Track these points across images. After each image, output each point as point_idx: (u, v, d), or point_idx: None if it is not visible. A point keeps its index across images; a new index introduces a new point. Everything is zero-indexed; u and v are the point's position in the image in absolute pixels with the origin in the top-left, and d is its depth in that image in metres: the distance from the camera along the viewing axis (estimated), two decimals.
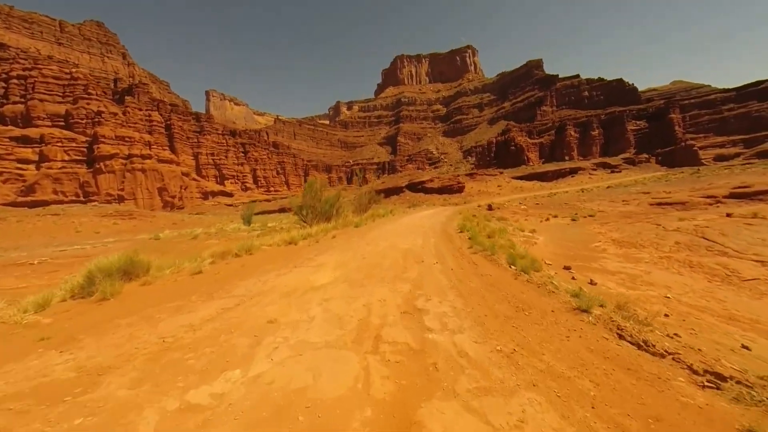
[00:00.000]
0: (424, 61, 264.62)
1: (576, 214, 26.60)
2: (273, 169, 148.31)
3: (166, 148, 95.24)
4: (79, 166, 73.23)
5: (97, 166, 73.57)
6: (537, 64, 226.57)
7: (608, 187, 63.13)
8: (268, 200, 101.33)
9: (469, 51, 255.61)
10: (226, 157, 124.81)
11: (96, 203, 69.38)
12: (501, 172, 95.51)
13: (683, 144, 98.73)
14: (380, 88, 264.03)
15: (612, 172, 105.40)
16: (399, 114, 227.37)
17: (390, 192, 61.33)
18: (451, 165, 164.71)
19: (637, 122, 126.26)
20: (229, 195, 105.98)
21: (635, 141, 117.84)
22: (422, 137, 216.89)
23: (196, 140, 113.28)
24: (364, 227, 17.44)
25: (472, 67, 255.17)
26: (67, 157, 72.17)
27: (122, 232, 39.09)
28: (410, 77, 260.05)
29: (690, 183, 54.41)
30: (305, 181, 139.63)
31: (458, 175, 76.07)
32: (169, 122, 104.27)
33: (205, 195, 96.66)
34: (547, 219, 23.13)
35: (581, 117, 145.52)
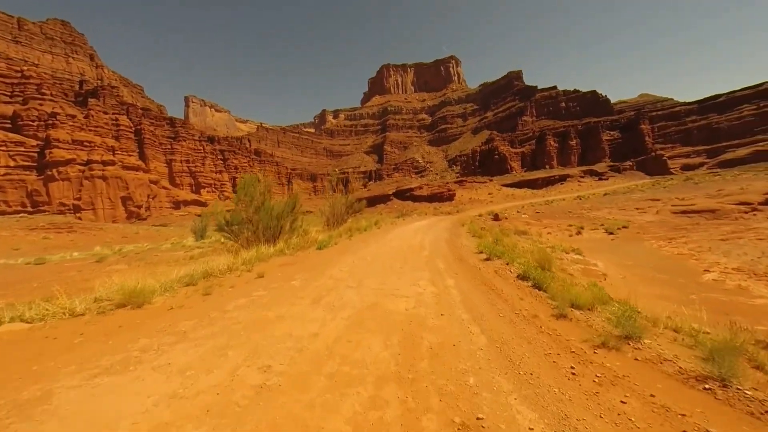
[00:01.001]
0: (409, 70, 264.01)
1: (601, 225, 21.53)
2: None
3: (134, 154, 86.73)
4: (27, 172, 64.25)
5: (49, 173, 64.79)
6: (517, 76, 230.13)
7: (605, 194, 59.71)
8: None
9: (453, 61, 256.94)
10: (203, 164, 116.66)
11: (47, 213, 60.58)
12: (490, 180, 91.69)
13: (653, 154, 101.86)
14: (366, 97, 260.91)
15: (599, 179, 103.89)
16: (385, 123, 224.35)
17: (376, 200, 55.70)
18: (436, 174, 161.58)
19: (611, 132, 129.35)
20: (204, 204, 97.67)
21: (610, 150, 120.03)
22: (408, 146, 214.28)
23: (169, 146, 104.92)
24: (333, 249, 11.52)
25: (456, 78, 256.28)
26: (12, 163, 63.14)
27: (50, 248, 31.66)
28: (396, 86, 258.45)
29: (690, 190, 51.28)
30: (289, 189, 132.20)
31: (448, 183, 71.51)
32: (139, 127, 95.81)
33: (177, 204, 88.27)
34: (578, 233, 17.86)
35: (560, 127, 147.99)
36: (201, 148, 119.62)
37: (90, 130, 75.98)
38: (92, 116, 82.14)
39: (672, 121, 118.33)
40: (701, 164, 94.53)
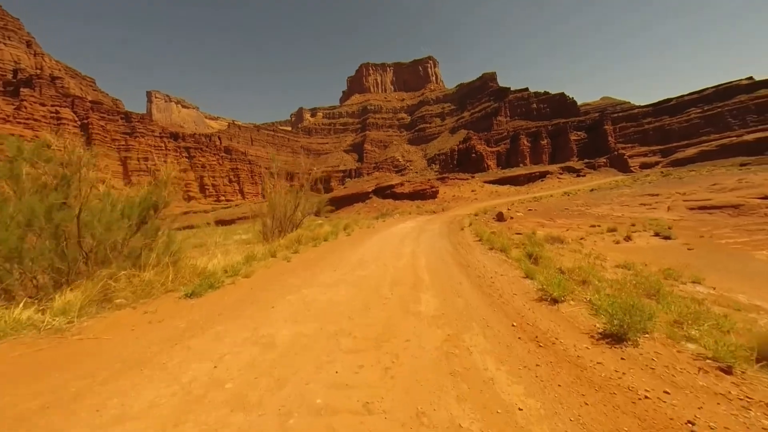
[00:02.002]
0: (389, 69, 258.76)
1: (632, 225, 16.65)
2: (224, 177, 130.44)
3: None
4: None
5: None
6: (491, 77, 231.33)
7: (592, 190, 56.88)
8: (206, 211, 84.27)
9: (431, 62, 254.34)
10: (165, 162, 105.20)
11: None
12: (473, 176, 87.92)
13: (616, 153, 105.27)
14: (345, 96, 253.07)
15: (577, 176, 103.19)
16: (365, 121, 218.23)
17: (354, 198, 49.65)
18: (416, 172, 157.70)
19: (578, 133, 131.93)
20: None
21: (577, 150, 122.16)
22: (388, 145, 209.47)
23: (124, 143, 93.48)
24: (219, 296, 5.31)
25: (434, 78, 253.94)
26: None
27: None
28: (376, 85, 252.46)
29: (676, 185, 48.86)
30: (263, 189, 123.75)
31: (430, 180, 66.73)
32: (86, 121, 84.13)
33: None
34: (627, 238, 12.59)
35: (532, 127, 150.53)
36: (162, 144, 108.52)
37: (20, 123, 64.64)
38: (26, 107, 70.45)
39: (631, 122, 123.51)
40: (656, 163, 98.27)
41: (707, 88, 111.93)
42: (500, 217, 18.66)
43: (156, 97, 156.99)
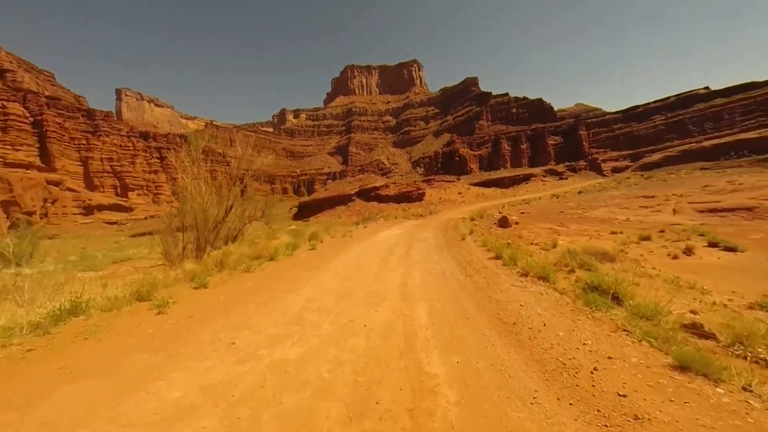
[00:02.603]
0: (374, 72, 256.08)
1: (661, 233, 13.69)
2: (200, 179, 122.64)
3: (28, 148, 67.65)
4: None
5: None
6: (474, 82, 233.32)
7: (580, 192, 55.39)
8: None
9: (415, 65, 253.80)
10: (133, 163, 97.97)
11: None
12: (458, 178, 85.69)
13: (590, 157, 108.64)
14: (330, 97, 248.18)
15: (560, 178, 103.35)
16: (350, 124, 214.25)
17: (336, 201, 45.68)
18: (401, 175, 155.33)
19: (555, 137, 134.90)
20: (128, 209, 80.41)
21: (554, 154, 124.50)
22: (374, 148, 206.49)
23: (85, 142, 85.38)
24: None
25: (418, 81, 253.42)
26: None
27: None
28: (361, 87, 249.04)
29: (662, 188, 47.62)
30: (242, 192, 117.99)
31: (416, 181, 63.64)
32: (40, 118, 75.88)
33: (89, 210, 70.51)
34: (687, 251, 9.41)
35: (512, 132, 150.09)
36: (130, 144, 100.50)
37: None
38: None
39: (603, 128, 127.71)
40: (627, 167, 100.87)
41: (670, 97, 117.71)
42: (504, 223, 15.40)
43: (126, 95, 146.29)
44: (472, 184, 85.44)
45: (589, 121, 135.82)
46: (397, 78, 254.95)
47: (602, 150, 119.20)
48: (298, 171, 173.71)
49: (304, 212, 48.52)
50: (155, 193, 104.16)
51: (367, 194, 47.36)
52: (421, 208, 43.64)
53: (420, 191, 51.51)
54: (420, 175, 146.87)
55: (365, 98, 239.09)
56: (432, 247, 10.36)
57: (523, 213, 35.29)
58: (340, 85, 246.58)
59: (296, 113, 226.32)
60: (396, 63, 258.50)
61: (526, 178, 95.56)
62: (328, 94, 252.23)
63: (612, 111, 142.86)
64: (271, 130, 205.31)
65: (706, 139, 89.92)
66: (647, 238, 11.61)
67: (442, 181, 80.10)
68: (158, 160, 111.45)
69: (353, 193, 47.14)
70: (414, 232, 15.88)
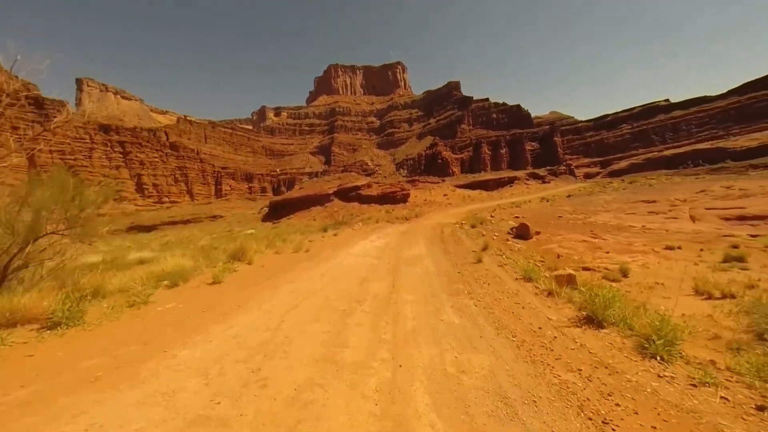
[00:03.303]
0: (358, 72, 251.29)
1: (730, 239, 10.02)
2: (169, 176, 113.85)
3: None
4: None
5: None
6: (456, 86, 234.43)
7: (569, 196, 53.23)
8: (128, 213, 69.27)
9: (399, 67, 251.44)
10: (90, 157, 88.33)
11: None
12: (443, 180, 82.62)
13: (565, 163, 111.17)
14: (313, 96, 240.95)
15: (543, 182, 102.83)
16: (333, 123, 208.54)
17: (312, 201, 40.68)
18: (385, 177, 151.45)
19: (532, 143, 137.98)
20: None
21: (531, 159, 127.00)
22: (357, 148, 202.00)
23: (31, 133, 75.20)
24: None
25: (402, 83, 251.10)
26: None
27: None
28: (345, 87, 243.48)
29: (652, 192, 46.36)
30: (217, 191, 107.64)
31: (401, 182, 59.66)
32: None
33: None
34: None
35: (492, 136, 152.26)
36: (87, 137, 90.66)
37: None
38: None
39: (576, 135, 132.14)
40: (597, 173, 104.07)
41: (635, 107, 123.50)
42: (523, 233, 11.34)
43: (89, 86, 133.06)
44: (457, 186, 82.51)
45: (563, 128, 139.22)
46: (382, 79, 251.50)
47: (575, 156, 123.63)
48: (278, 170, 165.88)
49: (275, 213, 43.06)
50: (117, 190, 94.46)
51: (347, 194, 42.68)
52: (406, 210, 39.48)
53: (404, 192, 47.37)
54: (404, 176, 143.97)
55: (349, 98, 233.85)
56: (434, 280, 6.06)
57: (517, 217, 31.71)
58: (324, 85, 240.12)
59: (277, 111, 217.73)
60: (381, 64, 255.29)
61: (510, 181, 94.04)
62: (310, 92, 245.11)
63: (584, 119, 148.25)
64: (251, 127, 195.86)
65: (667, 149, 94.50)
66: (740, 259, 7.85)
67: (427, 182, 76.58)
68: (120, 155, 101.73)
69: (331, 192, 42.31)
70: (400, 244, 11.58)
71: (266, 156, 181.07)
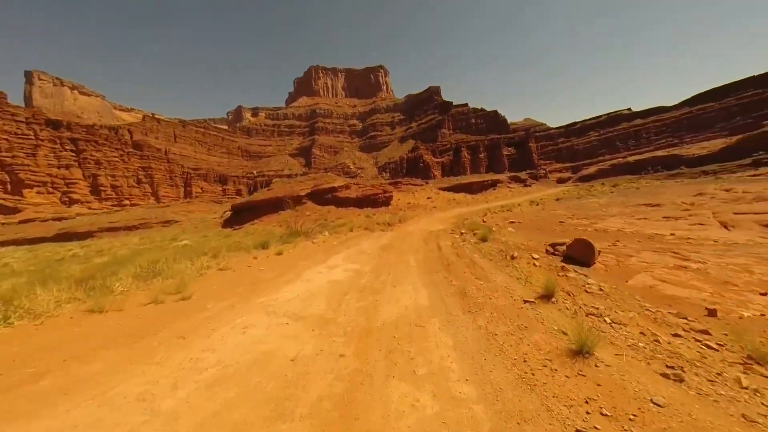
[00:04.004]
0: (340, 75, 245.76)
1: None
2: (131, 176, 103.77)
3: None
4: None
5: None
6: (437, 90, 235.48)
7: (558, 200, 50.66)
8: (63, 218, 60.32)
9: (382, 71, 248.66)
10: (33, 155, 77.71)
11: None
12: (426, 182, 78.91)
13: (539, 168, 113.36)
14: (292, 97, 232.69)
15: (524, 185, 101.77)
16: (314, 125, 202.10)
17: (280, 205, 35.20)
18: (367, 180, 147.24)
19: (509, 148, 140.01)
20: (14, 210, 61.71)
21: (508, 164, 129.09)
22: (339, 151, 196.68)
23: None
24: None
25: (385, 87, 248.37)
26: None
27: None
28: (326, 89, 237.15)
29: (641, 196, 44.61)
30: (186, 193, 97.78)
31: (383, 183, 55.17)
32: None
33: None
34: None
35: (471, 141, 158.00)
36: (31, 133, 79.98)
37: None
38: None
39: (549, 141, 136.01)
40: (569, 178, 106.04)
41: (602, 115, 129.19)
42: (580, 255, 6.79)
43: (40, 79, 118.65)
44: (441, 189, 78.95)
45: (537, 134, 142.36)
46: (364, 82, 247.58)
47: (548, 162, 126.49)
48: (254, 172, 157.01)
49: (238, 217, 37.09)
50: (66, 192, 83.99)
51: (323, 196, 37.53)
52: (389, 214, 34.83)
53: (387, 194, 42.72)
54: (386, 179, 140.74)
55: (330, 100, 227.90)
56: None
57: (512, 222, 27.78)
58: (304, 86, 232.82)
59: (255, 111, 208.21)
60: (363, 67, 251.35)
61: (494, 184, 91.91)
62: (290, 93, 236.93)
63: (555, 126, 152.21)
64: (226, 127, 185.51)
65: (630, 155, 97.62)
66: None
67: (410, 184, 72.48)
68: (73, 154, 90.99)
69: (304, 194, 37.05)
70: (379, 274, 6.89)
71: (242, 157, 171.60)
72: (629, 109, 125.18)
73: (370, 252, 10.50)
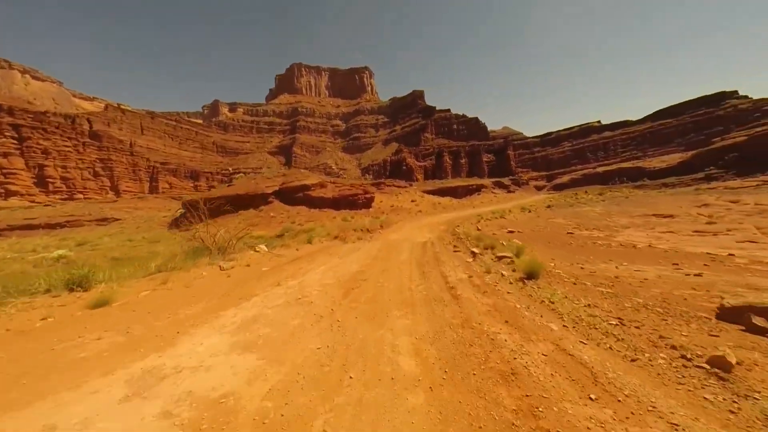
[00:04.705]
0: (324, 74, 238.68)
1: None
2: (86, 168, 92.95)
3: None
4: None
5: None
6: (420, 95, 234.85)
7: (549, 207, 47.42)
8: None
9: (367, 72, 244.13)
10: None
11: None
12: (410, 184, 74.82)
13: (517, 175, 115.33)
14: (273, 94, 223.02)
15: (508, 191, 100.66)
16: (295, 124, 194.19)
17: (243, 203, 29.26)
18: (351, 181, 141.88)
19: (488, 155, 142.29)
20: None
21: (488, 170, 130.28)
22: (321, 151, 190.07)
23: None
24: None
25: (369, 89, 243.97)
26: None
27: None
28: (309, 88, 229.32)
29: (634, 205, 42.37)
30: (152, 188, 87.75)
31: (364, 183, 50.10)
32: None
33: None
34: None
35: (453, 146, 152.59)
36: None
37: None
38: None
39: (525, 150, 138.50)
40: (543, 186, 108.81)
41: (574, 126, 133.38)
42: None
43: None
44: (425, 192, 74.94)
45: (516, 142, 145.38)
46: (348, 83, 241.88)
47: (525, 170, 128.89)
48: (230, 168, 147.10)
49: (190, 217, 30.86)
50: (2, 183, 72.91)
51: (293, 195, 31.89)
52: (369, 217, 29.85)
53: (368, 195, 37.66)
54: (369, 181, 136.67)
55: (313, 99, 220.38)
56: None
57: (512, 232, 23.61)
58: (286, 83, 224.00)
59: (232, 107, 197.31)
60: (348, 68, 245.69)
61: (478, 189, 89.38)
62: (271, 90, 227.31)
63: (532, 136, 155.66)
64: (200, 122, 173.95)
65: (600, 166, 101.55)
66: None
67: (394, 186, 68.04)
68: (15, 141, 79.68)
69: (271, 192, 31.20)
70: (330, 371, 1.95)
71: (217, 153, 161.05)
72: (599, 121, 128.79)
73: (318, 300, 5.44)
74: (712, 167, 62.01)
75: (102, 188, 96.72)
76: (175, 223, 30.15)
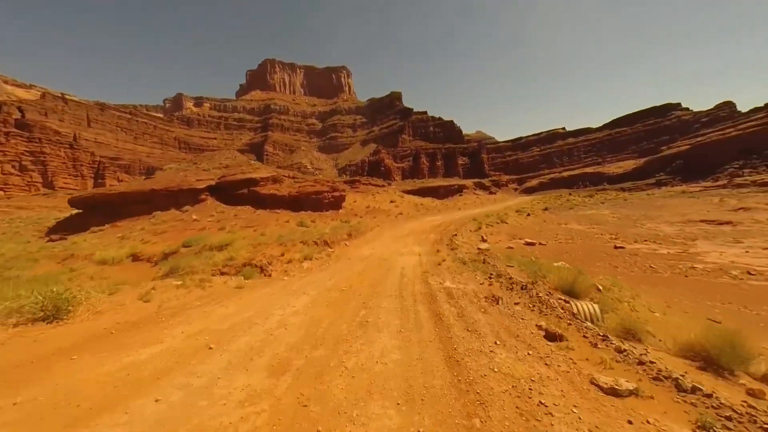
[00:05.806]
0: (299, 71, 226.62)
1: None
2: (9, 162, 77.57)
3: None
4: None
5: None
6: (398, 96, 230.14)
7: (546, 209, 42.11)
8: None
9: (344, 72, 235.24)
10: None
11: None
12: (389, 183, 67.61)
13: (490, 178, 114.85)
14: (244, 90, 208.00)
15: (489, 193, 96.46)
16: (268, 121, 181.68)
17: (164, 201, 20.48)
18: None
19: (463, 158, 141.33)
20: None
21: (463, 173, 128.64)
22: (295, 150, 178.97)
23: None
24: None
25: (347, 88, 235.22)
26: None
27: None
28: (283, 85, 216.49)
29: (635, 208, 37.77)
30: (96, 184, 71.70)
31: (334, 181, 42.22)
32: None
33: None
34: None
35: (430, 148, 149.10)
36: None
37: None
38: None
39: (498, 154, 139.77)
40: (516, 189, 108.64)
41: (542, 132, 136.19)
42: None
43: None
44: (405, 192, 67.94)
45: (489, 146, 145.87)
46: (325, 82, 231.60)
47: (497, 173, 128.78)
48: (195, 165, 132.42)
49: (81, 219, 21.30)
50: None
51: (234, 191, 23.43)
52: (336, 221, 22.10)
53: (336, 193, 29.67)
54: (343, 179, 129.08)
55: (288, 97, 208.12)
56: None
57: (530, 244, 16.85)
58: (258, 79, 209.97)
59: (198, 101, 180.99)
60: (324, 66, 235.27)
61: (460, 190, 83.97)
62: (241, 86, 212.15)
63: (504, 140, 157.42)
64: (161, 116, 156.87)
65: (565, 170, 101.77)
66: None
67: (370, 184, 60.39)
68: None
69: (203, 187, 22.58)
70: None
71: (180, 149, 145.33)
72: (563, 128, 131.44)
73: None
74: (661, 173, 65.43)
75: (31, 184, 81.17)
76: (61, 227, 20.76)
